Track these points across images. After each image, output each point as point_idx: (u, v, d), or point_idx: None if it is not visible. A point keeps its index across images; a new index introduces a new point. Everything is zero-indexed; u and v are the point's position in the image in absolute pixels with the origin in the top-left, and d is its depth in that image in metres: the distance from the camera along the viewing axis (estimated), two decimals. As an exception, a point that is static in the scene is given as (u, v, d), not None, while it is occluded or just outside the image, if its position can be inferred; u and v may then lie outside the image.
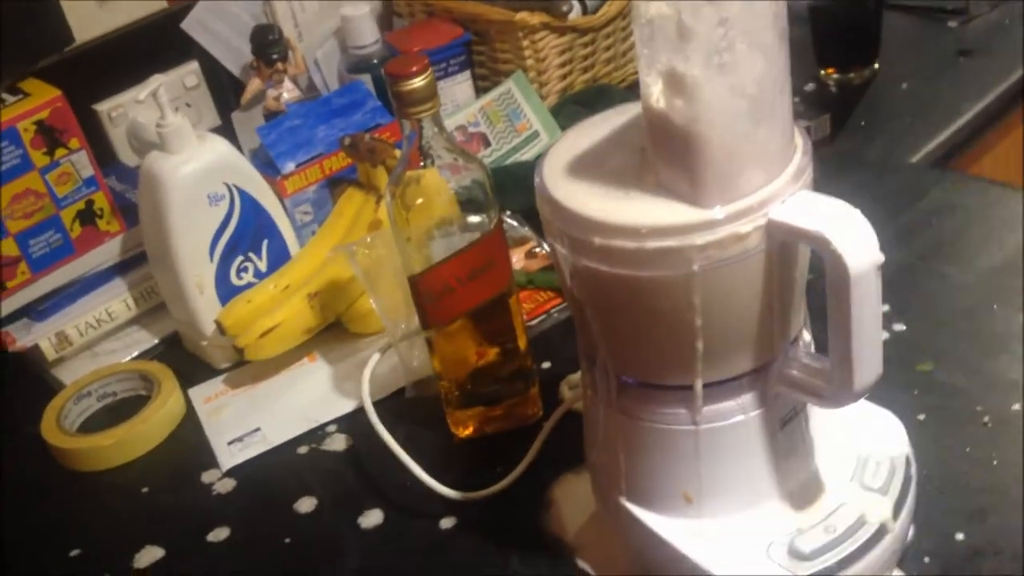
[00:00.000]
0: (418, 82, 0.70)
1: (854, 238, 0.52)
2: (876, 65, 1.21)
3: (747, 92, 0.51)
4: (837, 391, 0.56)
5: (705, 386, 0.58)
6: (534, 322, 0.92)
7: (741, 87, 0.51)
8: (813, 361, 0.59)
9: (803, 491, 0.63)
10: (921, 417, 0.75)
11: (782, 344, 0.59)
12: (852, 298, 0.52)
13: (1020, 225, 0.91)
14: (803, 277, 0.58)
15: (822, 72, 1.21)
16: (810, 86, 1.20)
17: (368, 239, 0.86)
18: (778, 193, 0.53)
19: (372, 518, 0.77)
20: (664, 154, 0.54)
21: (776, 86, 0.52)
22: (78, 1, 1.09)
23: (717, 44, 0.50)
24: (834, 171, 1.06)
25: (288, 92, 1.17)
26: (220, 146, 0.92)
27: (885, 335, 0.83)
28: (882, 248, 0.99)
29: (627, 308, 0.57)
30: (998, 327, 0.82)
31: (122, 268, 1.01)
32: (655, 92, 0.52)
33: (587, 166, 0.57)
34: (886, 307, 0.86)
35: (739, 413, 0.59)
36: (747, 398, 0.59)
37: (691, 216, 0.52)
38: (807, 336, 0.62)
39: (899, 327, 0.84)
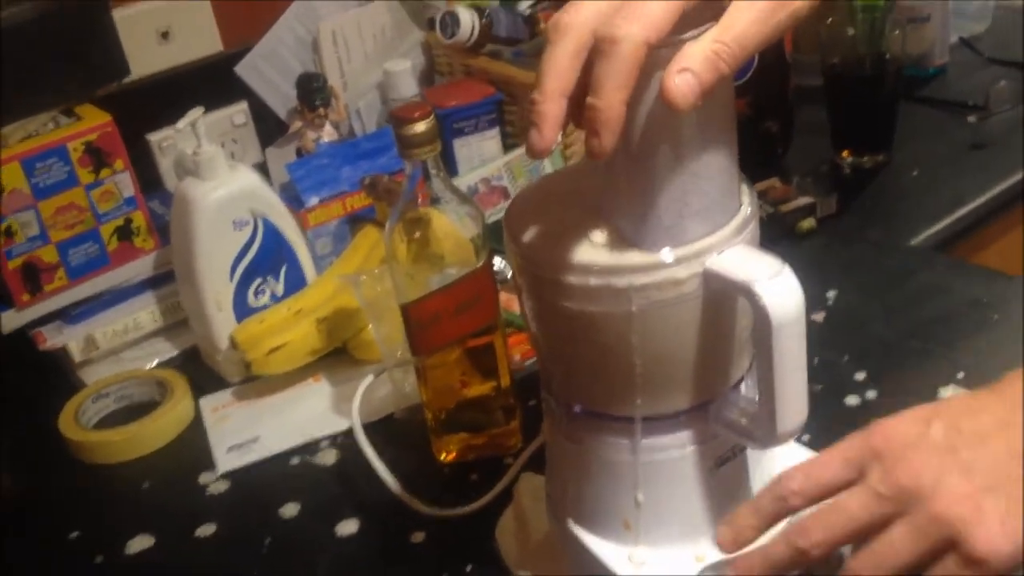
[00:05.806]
0: (419, 127, 0.76)
1: (779, 291, 0.56)
2: (890, 152, 1.25)
3: (684, 153, 0.56)
4: (764, 434, 0.61)
5: (644, 419, 0.63)
6: (528, 363, 0.97)
7: (679, 149, 0.56)
8: (748, 405, 0.63)
9: (737, 530, 0.66)
10: (874, 479, 0.78)
11: (721, 387, 0.63)
12: (774, 347, 0.56)
13: (1006, 309, 0.94)
14: (745, 326, 0.63)
15: (838, 155, 1.26)
16: (824, 167, 1.25)
17: (376, 271, 0.92)
18: (717, 244, 0.58)
19: (348, 527, 0.82)
20: (614, 200, 0.59)
21: (716, 148, 0.57)
22: (140, 39, 1.19)
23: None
24: (835, 247, 1.11)
25: (328, 136, 1.25)
26: (249, 176, 0.99)
27: (856, 401, 0.87)
28: (868, 321, 1.02)
29: (574, 340, 0.62)
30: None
31: (152, 283, 1.08)
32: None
33: (549, 208, 0.63)
34: (862, 375, 0.90)
35: (676, 448, 0.63)
36: (685, 435, 0.63)
37: (633, 258, 0.58)
38: (750, 382, 0.66)
39: (871, 394, 0.87)
